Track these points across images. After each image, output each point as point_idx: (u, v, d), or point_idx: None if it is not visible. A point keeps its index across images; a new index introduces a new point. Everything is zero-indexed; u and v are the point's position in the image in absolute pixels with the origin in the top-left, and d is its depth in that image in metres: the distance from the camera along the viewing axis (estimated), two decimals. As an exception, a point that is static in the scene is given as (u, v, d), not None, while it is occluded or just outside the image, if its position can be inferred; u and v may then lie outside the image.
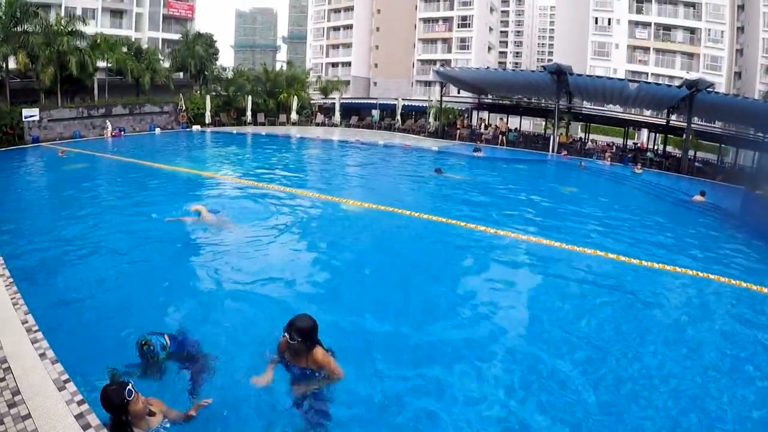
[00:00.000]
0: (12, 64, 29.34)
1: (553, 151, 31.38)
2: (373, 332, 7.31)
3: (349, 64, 70.61)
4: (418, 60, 64.09)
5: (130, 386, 4.19)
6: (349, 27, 71.27)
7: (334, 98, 44.82)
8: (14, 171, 19.68)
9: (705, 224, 16.41)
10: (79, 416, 4.71)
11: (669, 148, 33.53)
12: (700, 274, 10.41)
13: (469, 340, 7.37)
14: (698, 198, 19.13)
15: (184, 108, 36.84)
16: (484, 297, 8.93)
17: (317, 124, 42.62)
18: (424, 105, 40.67)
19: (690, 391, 6.35)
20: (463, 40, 61.39)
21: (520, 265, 10.81)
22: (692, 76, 33.35)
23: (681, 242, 13.55)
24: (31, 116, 27.83)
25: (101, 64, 33.42)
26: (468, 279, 10.02)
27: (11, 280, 7.96)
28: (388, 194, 17.71)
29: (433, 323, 7.87)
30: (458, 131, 36.42)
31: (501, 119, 40.19)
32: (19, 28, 28.08)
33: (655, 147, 34.00)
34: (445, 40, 62.79)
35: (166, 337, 5.62)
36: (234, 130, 35.67)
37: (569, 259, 11.12)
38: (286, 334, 5.10)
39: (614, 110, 35.36)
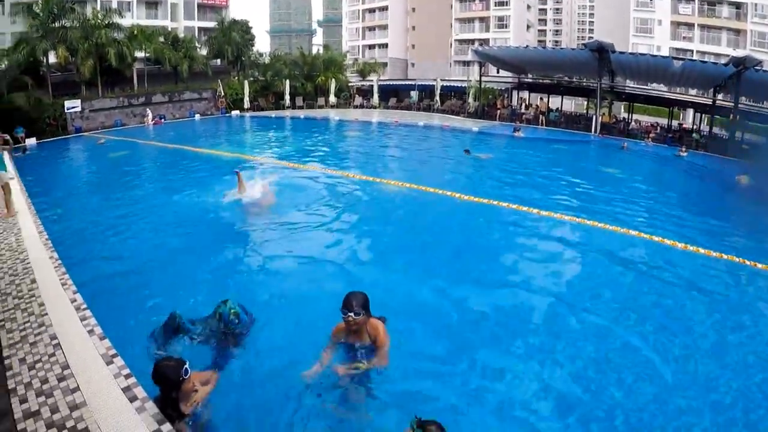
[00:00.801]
0: (52, 59, 30.04)
1: (595, 132, 30.48)
2: (417, 308, 7.27)
3: (385, 45, 69.78)
4: (455, 40, 62.82)
5: (187, 365, 4.23)
6: (384, 8, 70.30)
7: (372, 80, 44.60)
8: (60, 159, 20.18)
9: (749, 209, 15.58)
10: (126, 389, 4.71)
11: (715, 130, 32.07)
12: (736, 259, 9.86)
13: (508, 314, 7.40)
14: (742, 179, 18.29)
15: (222, 94, 37.24)
16: (523, 274, 8.90)
17: (356, 107, 42.45)
18: (463, 85, 40.05)
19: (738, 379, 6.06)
20: (500, 18, 59.96)
21: (561, 244, 10.59)
22: (739, 53, 31.86)
23: (725, 228, 12.89)
24: (73, 107, 28.48)
25: (139, 54, 34.11)
26: (508, 257, 9.90)
27: (60, 261, 8.11)
28: (429, 174, 17.63)
29: (477, 299, 7.79)
30: (498, 111, 35.73)
31: (541, 99, 39.16)
32: (57, 24, 28.83)
33: (700, 128, 32.67)
34: (482, 19, 61.33)
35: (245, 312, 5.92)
36: (273, 114, 35.94)
37: (612, 240, 10.84)
38: (348, 312, 5.07)
39: (658, 89, 34.09)
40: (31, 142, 23.60)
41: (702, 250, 10.27)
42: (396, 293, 7.61)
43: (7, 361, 5.20)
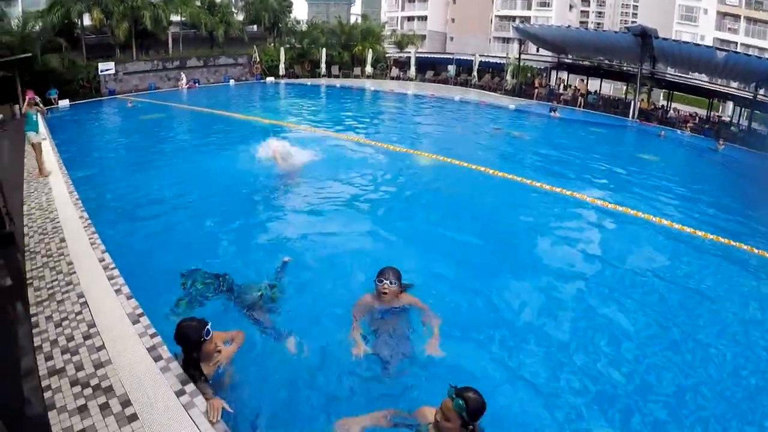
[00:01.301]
0: (87, 21, 30.01)
1: (633, 117, 29.61)
2: (444, 281, 7.18)
3: (425, 18, 67.69)
4: (496, 16, 61.40)
5: (209, 326, 4.18)
6: (425, -19, 68.48)
7: (409, 52, 43.78)
8: (92, 121, 20.35)
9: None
10: (150, 348, 4.75)
11: (754, 125, 30.99)
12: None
13: (532, 289, 7.38)
14: None
15: (258, 60, 37.11)
16: (552, 255, 8.81)
17: (392, 78, 41.87)
18: (502, 62, 39.20)
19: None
20: (543, -4, 58.27)
21: (590, 226, 10.51)
22: (785, 48, 30.71)
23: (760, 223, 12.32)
24: (107, 70, 28.66)
25: (175, 18, 33.87)
26: (536, 236, 9.76)
27: (89, 221, 8.22)
28: (462, 149, 17.34)
29: (504, 277, 7.80)
30: (536, 90, 34.80)
31: (581, 80, 38.22)
32: (91, -14, 28.66)
33: (739, 122, 31.66)
34: (524, -4, 59.71)
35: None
36: (308, 81, 35.71)
37: (641, 227, 10.69)
38: (385, 282, 5.31)
39: (699, 79, 33.06)
40: (64, 103, 23.84)
41: (734, 243, 10.01)
42: (424, 266, 7.54)
43: (33, 319, 5.26)
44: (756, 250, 9.69)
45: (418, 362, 5.15)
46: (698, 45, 29.39)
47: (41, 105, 11.49)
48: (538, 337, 6.14)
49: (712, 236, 10.25)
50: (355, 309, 5.52)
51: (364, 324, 5.43)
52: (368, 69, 40.39)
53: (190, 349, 4.17)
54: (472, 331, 5.96)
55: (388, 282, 5.27)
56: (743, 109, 31.62)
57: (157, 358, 4.58)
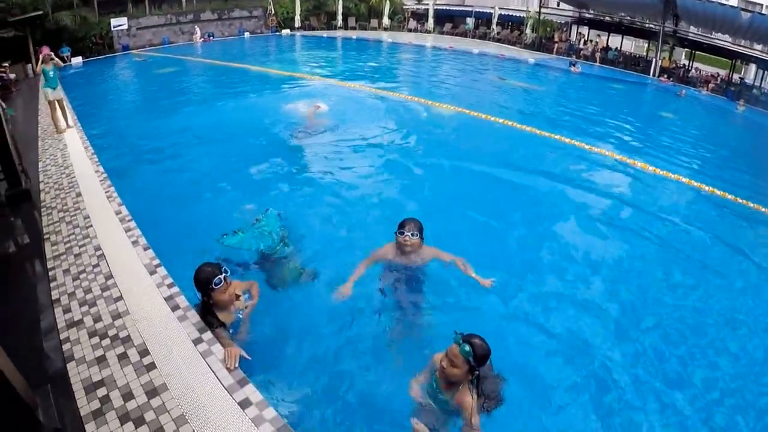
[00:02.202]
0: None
1: (654, 75, 29.02)
2: (461, 236, 7.12)
3: (444, -31, 66.53)
4: (516, -33, 59.77)
5: (221, 276, 4.14)
6: (445, -70, 66.57)
7: (427, 4, 42.42)
8: (106, 77, 20.22)
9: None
10: (168, 298, 4.80)
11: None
12: None
13: (541, 240, 7.55)
14: None
15: (273, 12, 36.26)
16: (565, 208, 8.84)
17: (409, 30, 40.68)
18: (522, 15, 37.91)
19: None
20: (565, -50, 56.54)
21: (605, 180, 10.59)
22: (812, 12, 29.61)
23: None
24: (119, 25, 28.23)
25: (188, -30, 33.17)
26: (552, 189, 9.76)
27: (105, 174, 8.24)
28: (480, 101, 17.25)
29: (518, 226, 7.97)
30: (556, 45, 33.99)
31: (599, 36, 37.21)
32: (103, -61, 28.04)
33: (762, 84, 30.87)
34: (546, -51, 57.95)
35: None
36: (324, 34, 35.03)
37: (658, 183, 10.75)
38: (407, 234, 5.11)
39: (722, 39, 32.14)
40: (77, 61, 23.65)
41: (751, 204, 10.03)
42: (441, 218, 7.48)
43: (51, 273, 5.31)
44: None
45: (433, 313, 5.21)
46: (723, 4, 28.35)
47: (57, 59, 11.40)
48: (551, 281, 6.36)
49: (729, 195, 10.29)
50: (370, 256, 5.42)
51: (376, 272, 5.39)
52: (385, 21, 39.26)
53: (201, 292, 4.20)
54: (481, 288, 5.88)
55: (410, 234, 5.08)
56: (766, 72, 30.87)
57: (175, 308, 4.62)
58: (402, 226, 5.14)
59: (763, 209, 9.89)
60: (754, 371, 5.22)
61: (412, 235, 5.08)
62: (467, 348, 3.42)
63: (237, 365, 3.90)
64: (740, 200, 10.12)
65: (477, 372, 3.54)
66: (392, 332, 5.05)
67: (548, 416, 4.33)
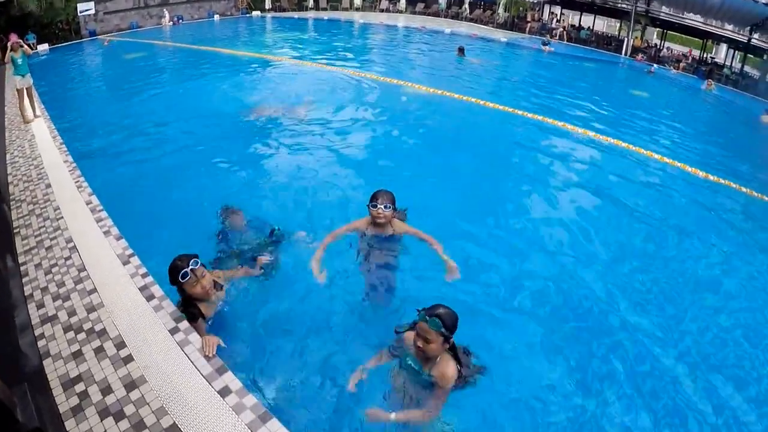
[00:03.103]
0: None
1: (625, 54, 29.41)
2: (431, 210, 7.15)
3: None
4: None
5: (188, 269, 4.02)
6: None
7: (399, -17, 42.52)
8: (73, 64, 19.71)
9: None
10: (142, 288, 4.76)
11: (747, 68, 30.83)
12: (744, 189, 10.10)
13: (507, 215, 7.77)
14: (764, 117, 18.26)
15: (243, -7, 35.74)
16: (535, 185, 9.01)
17: (381, 10, 39.97)
18: (495, -5, 38.15)
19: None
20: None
21: (578, 158, 10.71)
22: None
23: (743, 160, 12.76)
24: (86, 10, 27.41)
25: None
26: (522, 166, 10.09)
27: (74, 164, 8.09)
28: (453, 81, 17.22)
29: (487, 211, 7.90)
30: (528, 24, 34.00)
31: (561, 13, 37.30)
32: None
33: (732, 64, 31.48)
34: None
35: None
36: (295, 15, 34.51)
37: (625, 157, 11.11)
38: (379, 206, 5.08)
39: (694, 20, 32.58)
40: (44, 48, 22.97)
41: (714, 178, 10.46)
42: (412, 194, 7.41)
43: (23, 268, 5.23)
44: (732, 185, 10.23)
45: (405, 292, 5.25)
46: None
47: (26, 46, 11.13)
48: (521, 255, 6.53)
49: (691, 169, 10.74)
50: (343, 227, 5.43)
51: (348, 243, 5.43)
52: (357, 1, 38.72)
53: (177, 287, 4.16)
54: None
55: (382, 206, 5.06)
56: (736, 52, 31.43)
57: (150, 298, 4.59)
58: (374, 198, 5.13)
59: (723, 181, 10.31)
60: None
61: (385, 207, 5.07)
62: (437, 321, 3.45)
63: (215, 353, 3.90)
64: (700, 172, 10.58)
65: (452, 340, 3.60)
66: (368, 307, 5.11)
67: (520, 391, 4.43)
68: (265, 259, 5.07)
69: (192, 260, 4.07)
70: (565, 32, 31.94)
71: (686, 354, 5.12)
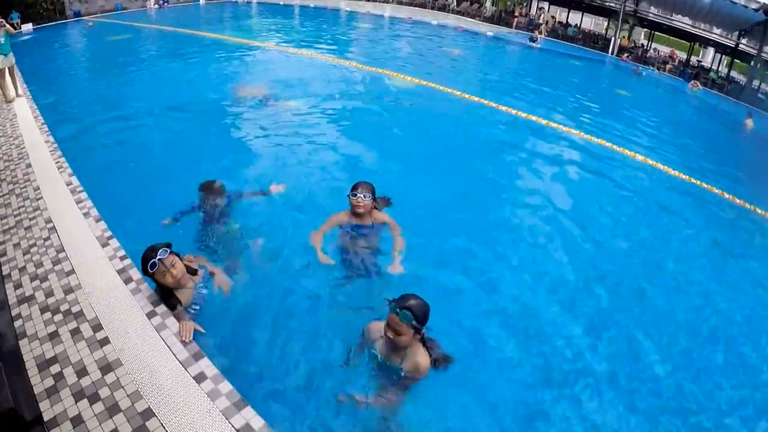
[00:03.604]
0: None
1: (612, 53, 29.73)
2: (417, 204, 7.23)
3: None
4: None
5: (156, 258, 3.98)
6: None
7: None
8: (57, 45, 19.36)
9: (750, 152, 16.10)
10: (120, 271, 4.75)
11: (733, 73, 31.17)
12: (726, 195, 10.26)
13: (485, 208, 7.90)
14: (749, 122, 18.69)
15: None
16: (518, 181, 9.15)
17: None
18: (482, -12, 38.13)
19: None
20: None
21: (559, 155, 10.75)
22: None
23: (725, 164, 12.95)
24: (70, -9, 27.09)
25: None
26: (504, 163, 10.09)
27: (55, 145, 8.02)
28: (436, 72, 17.31)
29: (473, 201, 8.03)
30: (516, 19, 34.24)
31: (541, 8, 37.47)
32: None
33: (719, 68, 31.76)
34: None
35: None
36: (281, 1, 34.20)
37: (605, 156, 11.19)
38: (359, 195, 5.21)
39: (682, 22, 32.81)
40: (27, 27, 22.59)
41: (693, 180, 10.67)
42: (395, 184, 7.45)
43: (1, 247, 5.18)
44: (714, 189, 10.38)
45: (382, 280, 5.25)
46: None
47: (8, 25, 10.96)
48: (498, 248, 6.63)
49: (673, 171, 10.87)
50: (326, 223, 5.48)
51: (330, 238, 5.45)
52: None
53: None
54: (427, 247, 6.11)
55: (361, 196, 5.19)
56: (723, 56, 31.69)
57: (128, 281, 4.58)
58: (354, 188, 5.25)
59: (704, 185, 10.48)
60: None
61: (364, 196, 5.20)
62: (408, 313, 3.43)
63: (191, 338, 3.91)
64: (681, 174, 10.76)
65: (423, 331, 3.60)
66: (347, 295, 5.14)
67: (493, 379, 4.52)
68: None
69: (161, 249, 4.02)
70: (549, 27, 32.05)
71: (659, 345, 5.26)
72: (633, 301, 6.03)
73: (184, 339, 3.88)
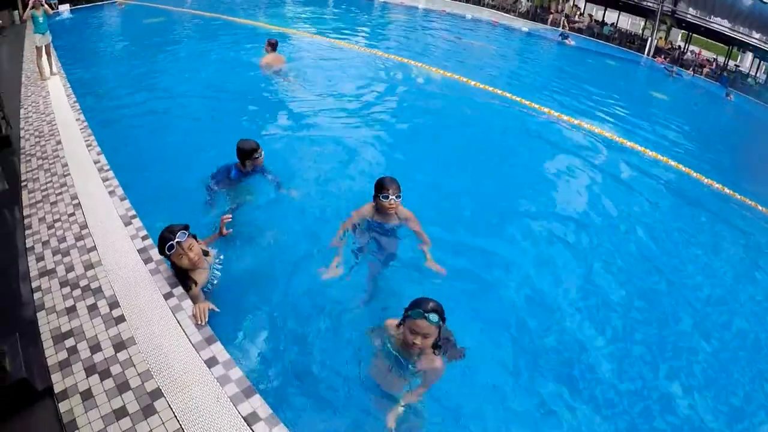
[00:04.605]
0: None
1: (648, 54, 29.02)
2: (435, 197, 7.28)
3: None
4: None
5: (174, 241, 4.01)
6: None
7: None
8: (93, 25, 19.66)
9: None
10: (141, 250, 4.80)
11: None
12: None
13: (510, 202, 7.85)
14: None
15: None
16: (542, 179, 8.97)
17: None
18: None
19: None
20: None
21: (583, 152, 10.59)
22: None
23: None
24: (108, -28, 27.41)
25: None
26: (530, 160, 9.92)
27: (86, 123, 8.14)
28: (468, 66, 17.17)
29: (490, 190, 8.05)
30: (551, 15, 33.58)
31: (574, 4, 36.80)
32: None
33: (757, 74, 30.82)
34: None
35: None
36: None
37: (634, 159, 10.92)
38: (391, 197, 4.97)
39: (720, 24, 31.93)
40: (65, 8, 22.95)
41: (727, 191, 10.37)
42: (418, 179, 7.52)
43: (27, 221, 5.28)
44: (744, 199, 10.14)
45: (401, 277, 5.24)
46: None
47: (47, 5, 11.20)
48: (520, 247, 6.55)
49: (706, 179, 10.63)
50: (348, 220, 5.35)
51: (351, 236, 5.34)
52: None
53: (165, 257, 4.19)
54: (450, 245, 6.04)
55: (394, 197, 4.96)
56: (762, 62, 30.72)
57: (147, 261, 4.62)
58: (385, 189, 4.98)
59: (737, 195, 10.21)
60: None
61: (397, 197, 4.99)
62: (435, 316, 3.38)
63: (206, 321, 3.92)
64: (712, 182, 10.50)
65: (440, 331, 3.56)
66: (365, 292, 5.05)
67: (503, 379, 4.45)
68: (227, 218, 4.89)
69: (180, 232, 4.05)
70: (564, 20, 31.56)
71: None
72: (665, 315, 5.85)
73: (199, 322, 3.90)
